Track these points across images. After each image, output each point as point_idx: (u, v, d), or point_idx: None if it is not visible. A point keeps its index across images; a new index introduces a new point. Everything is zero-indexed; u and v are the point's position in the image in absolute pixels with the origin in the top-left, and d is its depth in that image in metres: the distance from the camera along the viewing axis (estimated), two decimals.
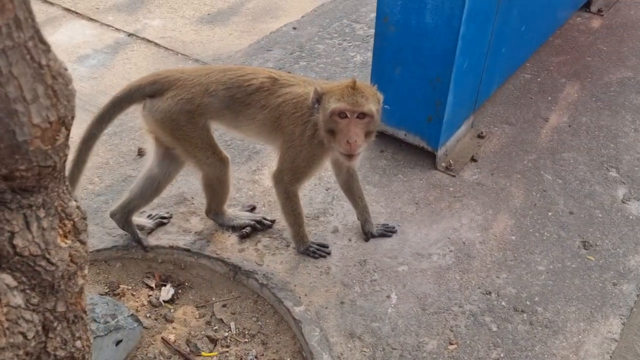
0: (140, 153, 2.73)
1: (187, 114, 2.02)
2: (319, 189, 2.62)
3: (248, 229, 2.35)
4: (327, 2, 4.27)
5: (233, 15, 4.70)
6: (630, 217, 2.53)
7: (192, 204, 2.50)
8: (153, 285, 2.22)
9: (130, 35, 4.31)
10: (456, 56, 2.38)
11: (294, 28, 3.87)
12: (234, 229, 2.35)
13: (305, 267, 2.26)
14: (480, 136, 2.93)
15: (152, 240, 2.30)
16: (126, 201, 2.23)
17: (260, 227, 2.37)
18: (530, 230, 2.46)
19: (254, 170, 2.70)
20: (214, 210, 2.34)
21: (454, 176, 2.71)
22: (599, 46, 3.71)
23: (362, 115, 1.91)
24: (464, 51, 2.42)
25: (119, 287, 2.19)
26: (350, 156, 1.95)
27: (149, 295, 2.19)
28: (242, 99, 2.04)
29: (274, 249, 2.32)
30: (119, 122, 2.97)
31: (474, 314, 2.12)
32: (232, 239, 2.34)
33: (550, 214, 2.54)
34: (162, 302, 2.16)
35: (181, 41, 4.32)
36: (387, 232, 2.40)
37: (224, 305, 2.17)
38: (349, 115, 1.89)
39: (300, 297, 2.13)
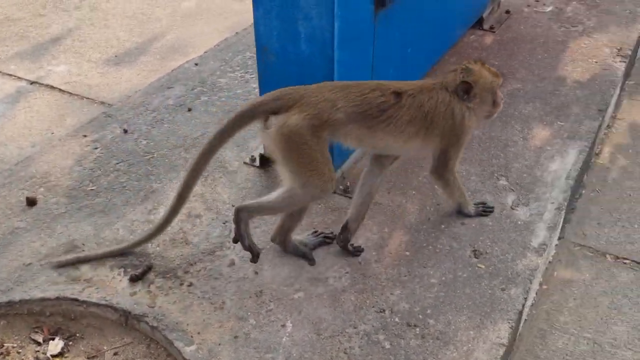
0: (30, 203, 2.66)
1: (313, 129, 2.09)
2: (216, 222, 2.61)
3: (139, 271, 2.32)
4: (231, 36, 4.31)
5: (141, 55, 4.68)
6: (519, 222, 2.62)
7: (83, 250, 2.44)
8: (41, 340, 2.14)
9: (32, 83, 4.23)
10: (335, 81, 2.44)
11: (196, 64, 3.89)
12: (300, 254, 2.43)
13: (199, 305, 2.23)
14: None
15: (37, 293, 2.22)
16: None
17: (329, 241, 2.50)
18: (424, 245, 2.51)
19: (149, 210, 2.66)
20: (284, 237, 2.41)
21: (351, 197, 2.74)
22: (491, 61, 3.86)
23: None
24: (343, 77, 2.48)
25: (3, 346, 2.10)
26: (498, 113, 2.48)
27: (36, 351, 2.10)
28: (376, 115, 2.17)
29: (167, 289, 2.28)
30: (9, 173, 2.89)
31: (368, 333, 2.13)
32: (123, 282, 2.29)
33: (443, 226, 2.60)
34: (49, 356, 2.09)
35: (87, 85, 4.26)
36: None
37: (115, 354, 2.11)
38: (499, 86, 2.42)
39: (192, 336, 2.09)
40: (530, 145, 3.09)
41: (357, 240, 2.51)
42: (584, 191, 3.30)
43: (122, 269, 2.35)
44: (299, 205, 2.28)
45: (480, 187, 2.81)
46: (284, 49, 2.45)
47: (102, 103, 3.96)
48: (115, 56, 4.65)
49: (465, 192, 2.63)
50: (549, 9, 4.50)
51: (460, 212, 2.64)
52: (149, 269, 2.35)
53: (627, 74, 4.21)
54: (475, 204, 2.66)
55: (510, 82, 3.64)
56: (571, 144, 3.09)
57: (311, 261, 2.40)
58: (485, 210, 2.65)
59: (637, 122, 3.91)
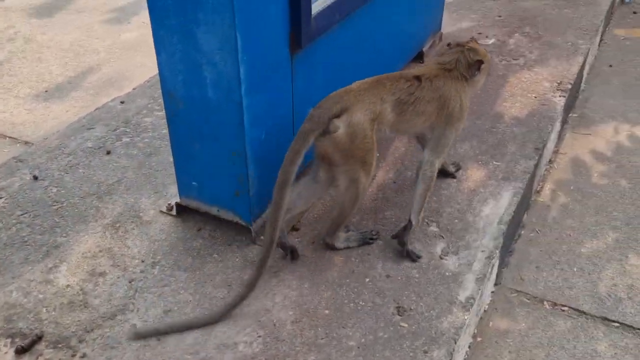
0: None
1: (371, 123, 2.32)
2: (121, 281, 2.40)
3: (26, 342, 2.10)
4: None
5: (73, 90, 4.48)
6: (447, 273, 2.48)
7: None
8: None
9: None
10: (246, 129, 2.28)
11: (122, 102, 3.70)
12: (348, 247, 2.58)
13: None
14: None
15: None
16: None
17: (371, 242, 2.62)
18: (345, 301, 2.34)
19: (49, 269, 2.45)
20: (332, 232, 2.53)
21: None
22: None
23: None
24: (256, 122, 2.33)
25: None
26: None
27: None
28: (406, 99, 2.40)
29: None
30: None
31: None
32: (8, 355, 2.07)
33: (367, 280, 2.44)
34: None
35: (11, 123, 4.04)
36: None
37: None
38: None
39: None
40: (464, 187, 2.97)
41: (274, 297, 2.34)
42: (523, 232, 3.19)
43: (9, 339, 2.13)
44: (363, 193, 2.46)
45: (410, 234, 2.66)
46: (190, 96, 2.29)
47: (26, 143, 3.75)
48: (46, 91, 4.45)
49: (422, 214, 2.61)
50: (491, 41, 4.44)
51: (399, 236, 2.59)
52: (39, 338, 2.13)
53: (569, 108, 4.15)
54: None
55: None
56: (505, 185, 2.97)
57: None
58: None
59: (579, 157, 3.84)
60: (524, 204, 3.17)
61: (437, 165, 2.57)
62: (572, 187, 3.56)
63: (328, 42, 2.74)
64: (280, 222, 2.27)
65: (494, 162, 3.16)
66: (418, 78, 2.46)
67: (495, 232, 2.67)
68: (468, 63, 2.54)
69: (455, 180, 3.01)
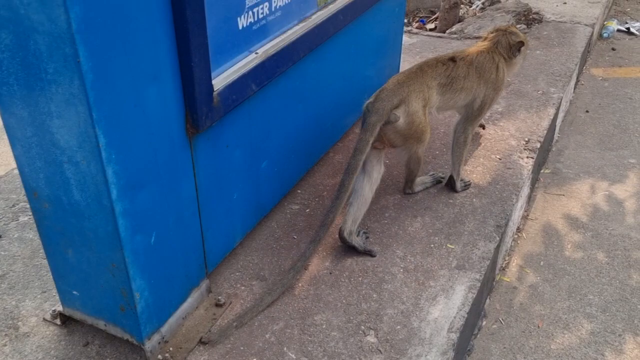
0: None
1: (424, 108, 2.66)
2: None
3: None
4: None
5: None
6: None
7: None
8: None
9: None
10: (124, 237, 1.83)
11: None
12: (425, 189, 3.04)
13: None
14: (218, 304, 2.37)
15: None
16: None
17: (442, 180, 3.10)
18: None
19: None
20: (410, 185, 2.98)
21: None
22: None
23: None
24: (140, 227, 1.88)
25: None
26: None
27: None
28: (445, 82, 2.73)
29: None
30: None
31: None
32: None
33: None
34: None
35: None
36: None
37: None
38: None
39: None
40: (411, 279, 2.53)
41: None
42: (484, 322, 2.76)
43: None
44: (423, 157, 2.86)
45: (342, 348, 2.21)
46: (56, 196, 1.84)
47: None
48: None
49: (462, 168, 3.03)
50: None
51: (449, 185, 3.06)
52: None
53: (540, 164, 3.75)
54: (463, 182, 3.08)
55: (399, 189, 3.11)
56: (460, 277, 2.54)
57: None
58: (466, 185, 3.08)
59: (551, 224, 3.42)
60: (476, 305, 2.74)
61: (470, 132, 2.94)
62: (542, 263, 3.14)
63: (248, 112, 2.31)
64: (340, 208, 2.49)
65: (449, 245, 2.72)
66: (453, 59, 2.78)
67: (444, 345, 2.22)
68: (509, 44, 2.86)
69: (401, 269, 2.57)
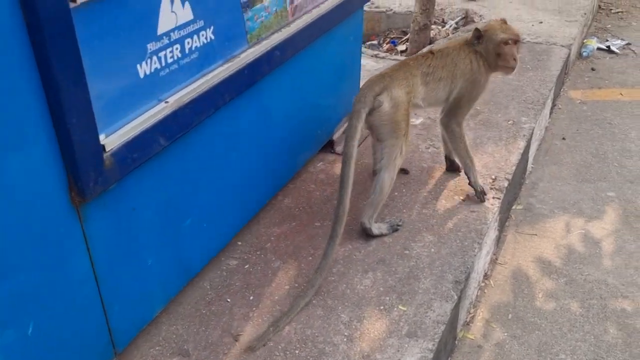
0: None
1: (408, 95, 2.70)
2: None
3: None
4: None
5: None
6: None
7: None
8: None
9: None
10: None
11: None
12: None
13: None
14: None
15: None
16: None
17: (399, 228, 2.87)
18: None
19: None
20: (370, 217, 2.77)
21: None
22: (333, 202, 3.05)
23: (517, 41, 2.81)
24: (11, 320, 1.58)
25: None
26: (514, 68, 2.84)
27: None
28: (427, 71, 2.79)
29: None
30: None
31: None
32: None
33: None
34: None
35: None
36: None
37: None
38: (510, 42, 2.77)
39: None
40: (355, 351, 2.23)
41: None
42: None
43: None
44: (395, 172, 2.77)
45: None
46: None
47: None
48: None
49: (473, 157, 3.03)
50: (419, 121, 3.76)
51: (468, 179, 3.06)
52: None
53: (509, 203, 3.47)
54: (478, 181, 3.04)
55: (352, 236, 2.82)
56: (410, 347, 2.24)
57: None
58: (483, 193, 3.04)
59: (522, 269, 3.14)
60: (443, 355, 2.45)
61: (456, 126, 2.93)
62: (510, 316, 2.85)
63: (160, 168, 2.03)
64: (348, 197, 2.53)
65: (400, 307, 2.43)
66: (431, 52, 2.87)
67: None
68: (473, 35, 2.84)
69: (345, 338, 2.28)
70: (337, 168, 3.34)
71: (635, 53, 5.63)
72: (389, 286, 2.53)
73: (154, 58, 1.88)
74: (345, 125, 2.80)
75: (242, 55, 2.31)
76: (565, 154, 4.14)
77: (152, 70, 1.89)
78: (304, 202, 3.06)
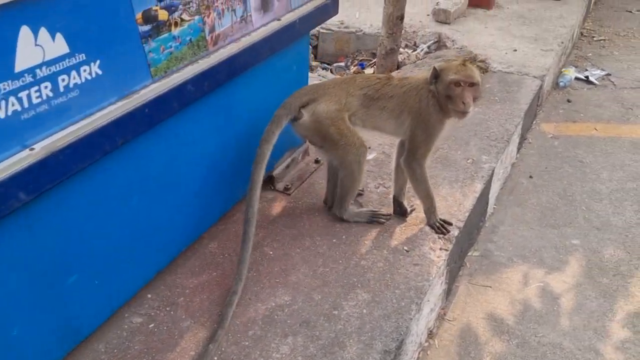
0: None
1: (338, 112, 2.66)
2: None
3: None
4: None
5: None
6: None
7: None
8: None
9: None
10: None
11: None
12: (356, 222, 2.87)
13: None
14: None
15: None
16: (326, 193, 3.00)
17: (381, 222, 2.91)
18: None
19: None
20: (340, 206, 2.85)
21: None
22: (264, 249, 2.76)
23: (472, 84, 2.56)
24: None
25: None
26: (464, 113, 2.61)
27: None
28: (372, 95, 2.70)
29: None
30: None
31: None
32: None
33: None
34: None
35: None
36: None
37: None
38: (462, 84, 2.54)
39: None
40: None
41: None
42: None
43: None
44: (359, 170, 2.74)
45: None
46: None
47: None
48: None
49: (434, 198, 2.87)
50: (372, 156, 3.49)
51: (427, 220, 2.91)
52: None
53: (463, 251, 3.19)
54: (440, 220, 2.90)
55: (277, 291, 2.53)
56: None
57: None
58: (440, 227, 2.88)
59: (471, 327, 2.86)
60: None
61: (416, 166, 2.76)
62: None
63: (28, 225, 1.74)
64: (257, 198, 2.50)
65: None
66: (389, 78, 2.77)
67: None
68: (431, 74, 2.65)
69: None
70: (276, 207, 3.05)
71: (614, 85, 5.40)
72: (309, 355, 2.23)
73: (12, 99, 1.59)
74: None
75: (143, 92, 2.03)
76: (530, 194, 3.87)
77: (10, 113, 1.60)
78: (231, 247, 2.76)
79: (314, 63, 5.33)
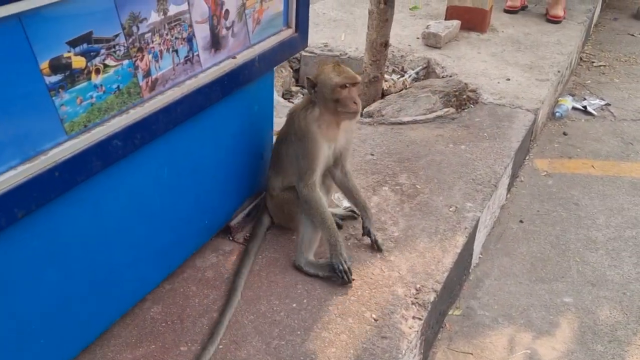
0: None
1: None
2: None
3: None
4: None
5: None
6: None
7: None
8: None
9: None
10: None
11: None
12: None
13: None
14: None
15: None
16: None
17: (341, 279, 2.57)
18: None
19: None
20: (299, 252, 2.66)
21: None
22: (212, 315, 2.45)
23: (355, 84, 2.50)
24: None
25: None
26: (356, 113, 2.50)
27: None
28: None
29: None
30: None
31: None
32: None
33: None
34: None
35: None
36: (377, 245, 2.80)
37: None
38: (347, 85, 2.47)
39: None
40: None
41: None
42: None
43: None
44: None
45: None
46: None
47: None
48: None
49: (335, 230, 2.60)
50: (345, 204, 3.17)
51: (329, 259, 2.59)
52: None
53: (442, 313, 2.87)
54: (346, 264, 2.57)
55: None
56: None
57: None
58: (341, 273, 2.56)
59: None
60: None
61: (302, 188, 2.58)
62: None
63: None
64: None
65: None
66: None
67: None
68: (307, 85, 2.56)
69: None
70: (232, 262, 2.74)
71: (614, 116, 5.10)
72: None
73: None
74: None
75: (55, 151, 1.72)
76: (520, 242, 3.56)
77: None
78: (176, 312, 2.45)
79: (294, 88, 5.03)
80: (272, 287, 2.60)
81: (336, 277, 2.57)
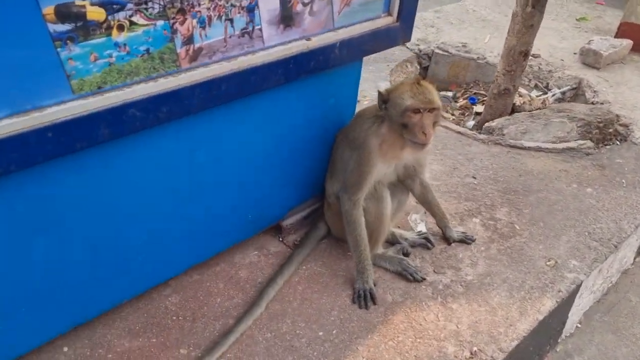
0: None
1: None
2: None
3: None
4: None
5: None
6: None
7: None
8: None
9: None
10: None
11: None
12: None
13: None
14: None
15: None
16: None
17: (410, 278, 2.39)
18: None
19: None
20: (373, 248, 2.41)
21: None
22: (228, 321, 2.18)
23: (432, 110, 2.09)
24: None
25: None
26: (424, 145, 2.11)
27: None
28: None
29: None
30: None
31: None
32: None
33: None
34: None
35: None
36: (467, 239, 2.62)
37: None
38: (421, 111, 2.07)
39: None
40: None
41: None
42: None
43: None
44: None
45: None
46: None
47: None
48: None
49: (366, 254, 2.31)
50: (420, 228, 2.72)
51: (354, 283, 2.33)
52: None
53: None
54: (370, 292, 2.29)
55: None
56: None
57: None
58: (363, 300, 2.27)
59: None
60: None
61: (346, 201, 2.28)
62: None
63: None
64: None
65: None
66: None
67: None
68: (379, 99, 2.21)
69: None
70: (273, 265, 2.45)
71: None
72: None
73: None
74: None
75: (52, 110, 1.53)
76: (636, 320, 2.86)
77: None
78: (193, 308, 2.22)
79: None
80: (304, 306, 2.27)
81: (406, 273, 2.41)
